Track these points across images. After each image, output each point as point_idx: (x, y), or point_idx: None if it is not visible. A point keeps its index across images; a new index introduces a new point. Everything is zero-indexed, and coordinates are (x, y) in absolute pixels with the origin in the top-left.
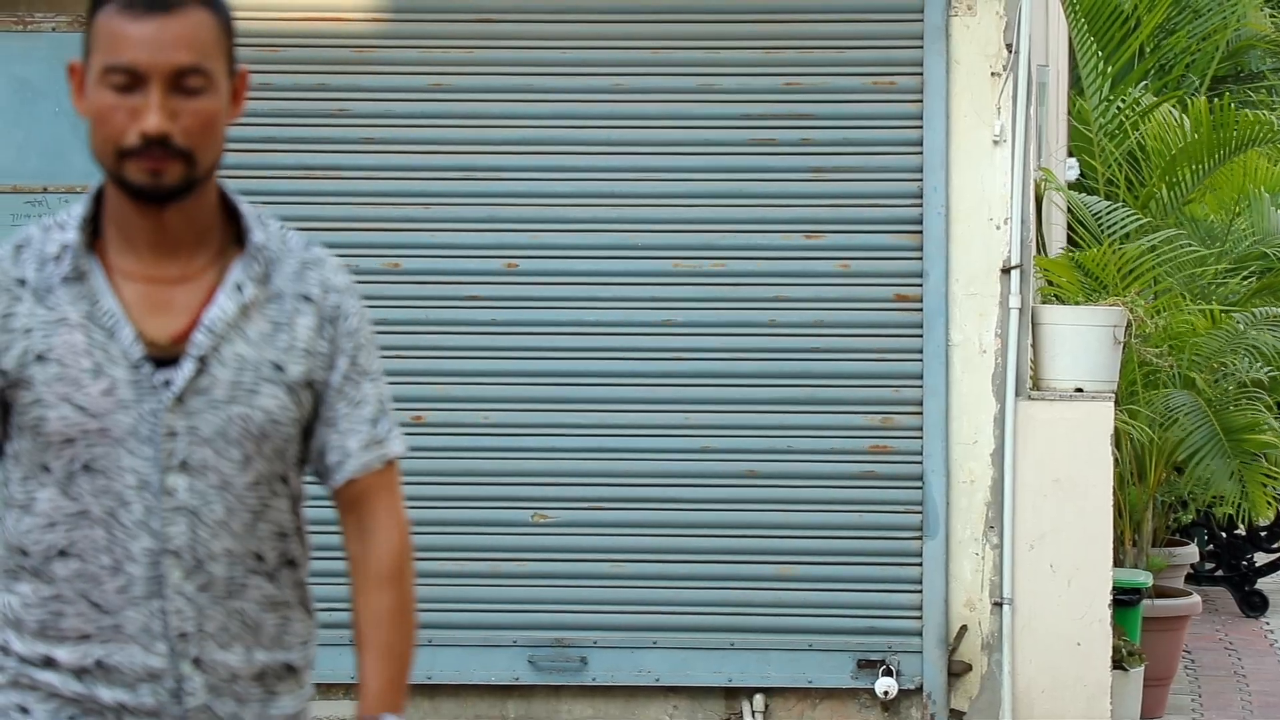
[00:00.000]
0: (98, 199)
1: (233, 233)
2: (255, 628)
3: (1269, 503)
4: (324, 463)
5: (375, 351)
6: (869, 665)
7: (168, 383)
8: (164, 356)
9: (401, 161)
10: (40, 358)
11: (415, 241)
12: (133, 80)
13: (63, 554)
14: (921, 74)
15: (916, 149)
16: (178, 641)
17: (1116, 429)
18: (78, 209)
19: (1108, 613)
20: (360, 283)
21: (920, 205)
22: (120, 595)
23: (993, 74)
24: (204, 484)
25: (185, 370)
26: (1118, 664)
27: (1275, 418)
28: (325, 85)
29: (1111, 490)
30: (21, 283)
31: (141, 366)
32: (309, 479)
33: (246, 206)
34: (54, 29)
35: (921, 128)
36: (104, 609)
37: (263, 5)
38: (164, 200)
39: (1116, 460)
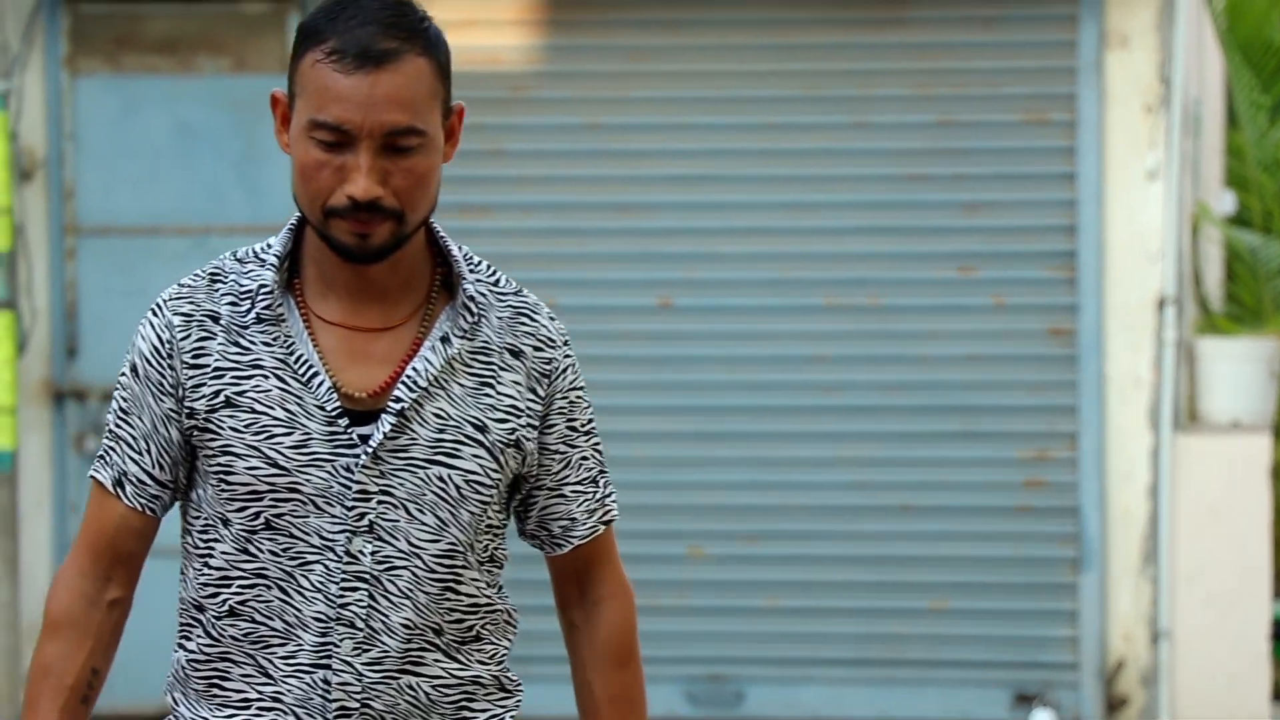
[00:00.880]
0: (297, 234)
1: (441, 275)
2: (429, 708)
3: None
4: (546, 531)
5: (590, 405)
6: (1025, 699)
7: (364, 439)
8: (361, 411)
9: (556, 199)
10: (231, 403)
11: (570, 278)
12: (342, 138)
13: (234, 612)
14: (1075, 108)
15: (1070, 183)
16: (337, 718)
17: (1273, 461)
18: (275, 243)
19: (1266, 645)
20: None
21: (1074, 239)
22: (286, 662)
23: (1147, 108)
24: (391, 550)
25: (383, 427)
26: (1277, 696)
27: None
28: (481, 125)
29: (1269, 522)
30: (215, 318)
31: (337, 420)
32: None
33: (457, 250)
34: (215, 73)
35: (1075, 162)
36: (268, 675)
37: None
38: (371, 261)
39: (1274, 492)
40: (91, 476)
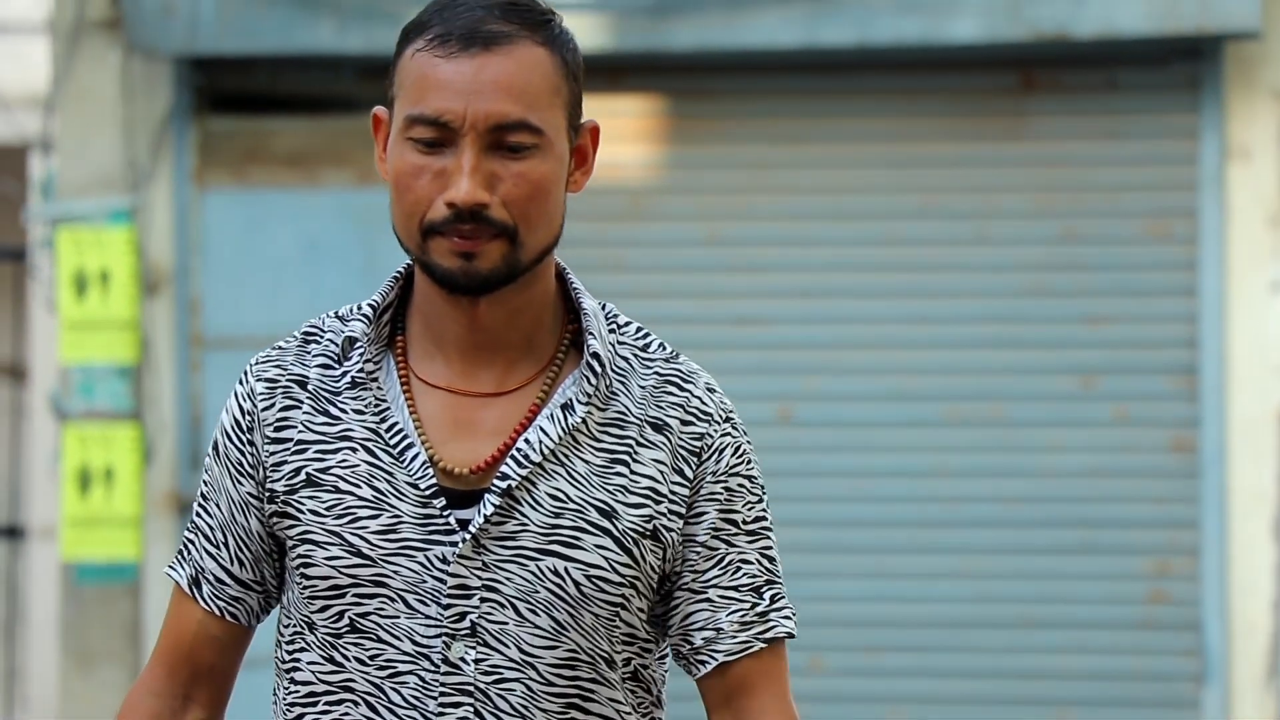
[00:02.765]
0: (405, 283)
1: (572, 334)
2: None
3: None
4: (687, 642)
5: (762, 500)
6: None
7: (464, 524)
8: (463, 490)
9: (676, 311)
10: (312, 481)
11: None
12: (442, 135)
13: None
14: (1196, 221)
15: (1191, 296)
16: None
17: None
18: (377, 294)
19: None
20: None
21: (1195, 351)
22: None
23: (1269, 220)
24: (500, 658)
25: (486, 509)
26: None
27: None
28: (603, 238)
29: None
30: (302, 383)
31: (432, 501)
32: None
33: (591, 302)
34: (339, 185)
35: (1196, 274)
36: None
37: None
38: (479, 291)
39: None
40: (167, 574)
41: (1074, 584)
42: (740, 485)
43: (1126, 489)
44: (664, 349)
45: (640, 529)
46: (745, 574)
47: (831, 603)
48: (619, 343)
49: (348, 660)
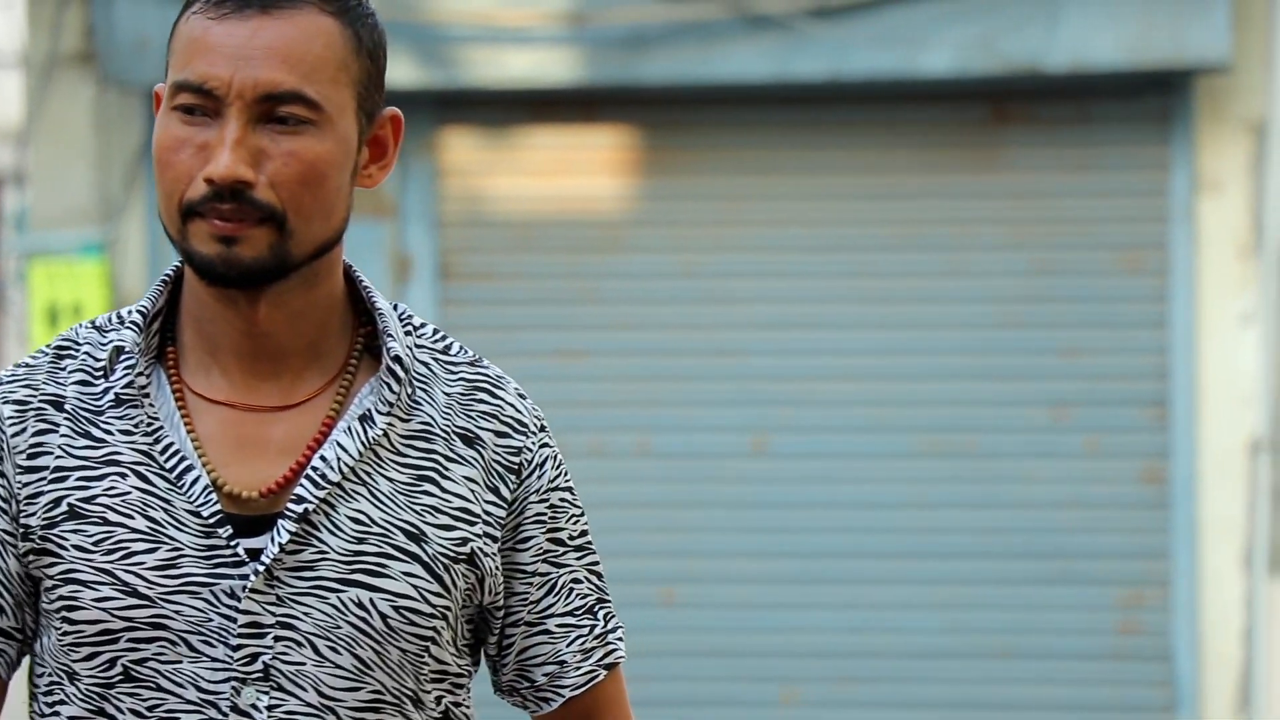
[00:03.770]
0: (174, 288)
1: (365, 338)
2: None
3: None
4: (527, 681)
5: (582, 512)
6: None
7: (254, 554)
8: (252, 516)
9: (652, 343)
10: (75, 513)
11: (665, 422)
12: (207, 104)
13: None
14: (1167, 253)
15: (1162, 328)
16: None
17: None
18: (144, 299)
19: None
20: (610, 463)
21: (1166, 383)
22: None
23: (1239, 252)
24: (296, 703)
25: (281, 536)
26: None
27: None
28: (578, 270)
29: None
30: (58, 403)
31: (216, 530)
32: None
33: (385, 303)
34: None
35: (1167, 306)
36: None
37: (515, 193)
38: (241, 283)
39: None
40: None
41: (1046, 614)
42: (563, 500)
43: (1098, 520)
44: (466, 352)
45: (453, 553)
46: (578, 595)
47: (805, 634)
48: (417, 346)
49: (120, 713)
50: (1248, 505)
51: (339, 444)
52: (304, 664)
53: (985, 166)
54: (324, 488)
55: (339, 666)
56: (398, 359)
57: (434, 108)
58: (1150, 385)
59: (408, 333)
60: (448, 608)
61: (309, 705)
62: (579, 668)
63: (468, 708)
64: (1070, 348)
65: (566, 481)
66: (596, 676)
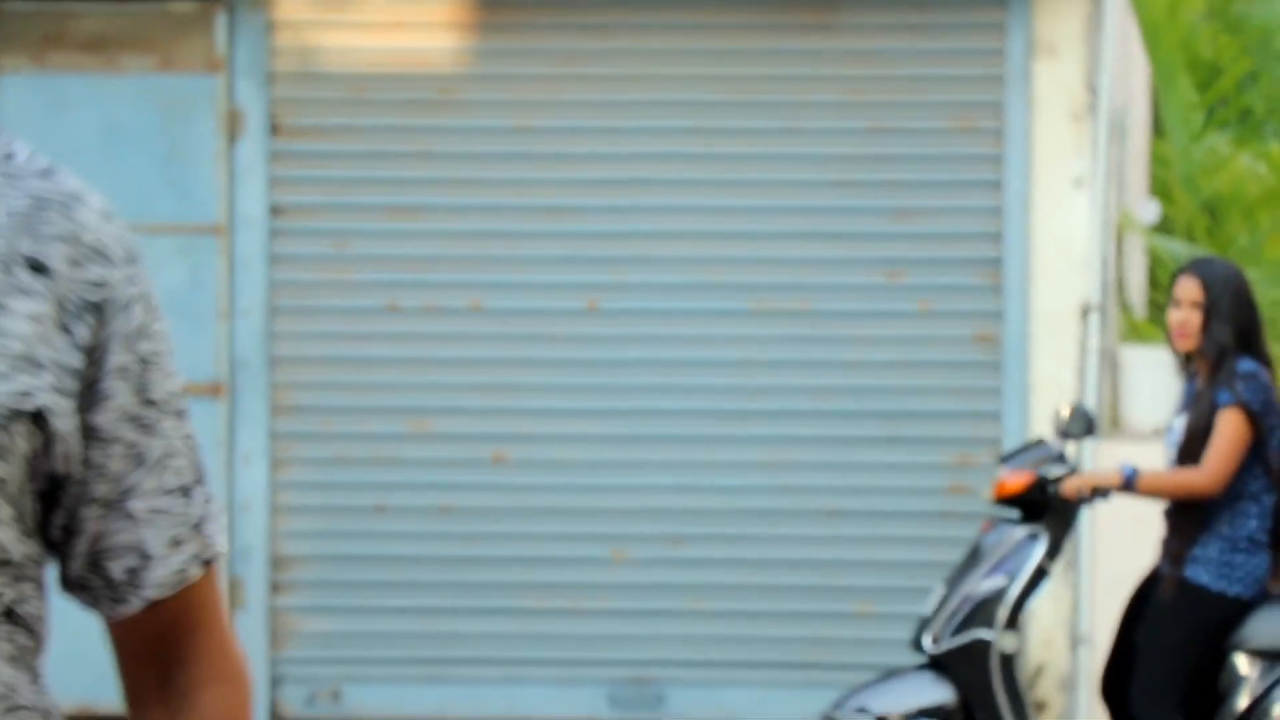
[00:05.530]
0: None
1: None
2: None
3: None
4: (100, 576)
5: (175, 372)
6: None
7: None
8: None
9: (485, 202)
10: None
11: (498, 281)
12: None
13: None
14: (1002, 116)
15: (997, 190)
16: None
17: None
18: None
19: None
20: (443, 322)
21: (1000, 246)
22: None
23: (1073, 116)
24: None
25: None
26: None
27: None
28: (410, 127)
29: None
30: None
31: None
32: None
33: None
34: (142, 71)
35: (1002, 169)
36: None
37: (348, 49)
38: None
39: None
40: None
41: (877, 475)
42: (156, 352)
43: (930, 382)
44: (37, 160)
45: (11, 408)
46: (173, 472)
47: (636, 494)
48: None
49: None
50: (1078, 368)
51: None
52: None
53: (822, 27)
54: None
55: None
56: None
57: None
58: (984, 248)
59: None
60: (5, 477)
61: None
62: (168, 563)
63: (36, 607)
64: (905, 210)
65: (161, 330)
66: (188, 574)
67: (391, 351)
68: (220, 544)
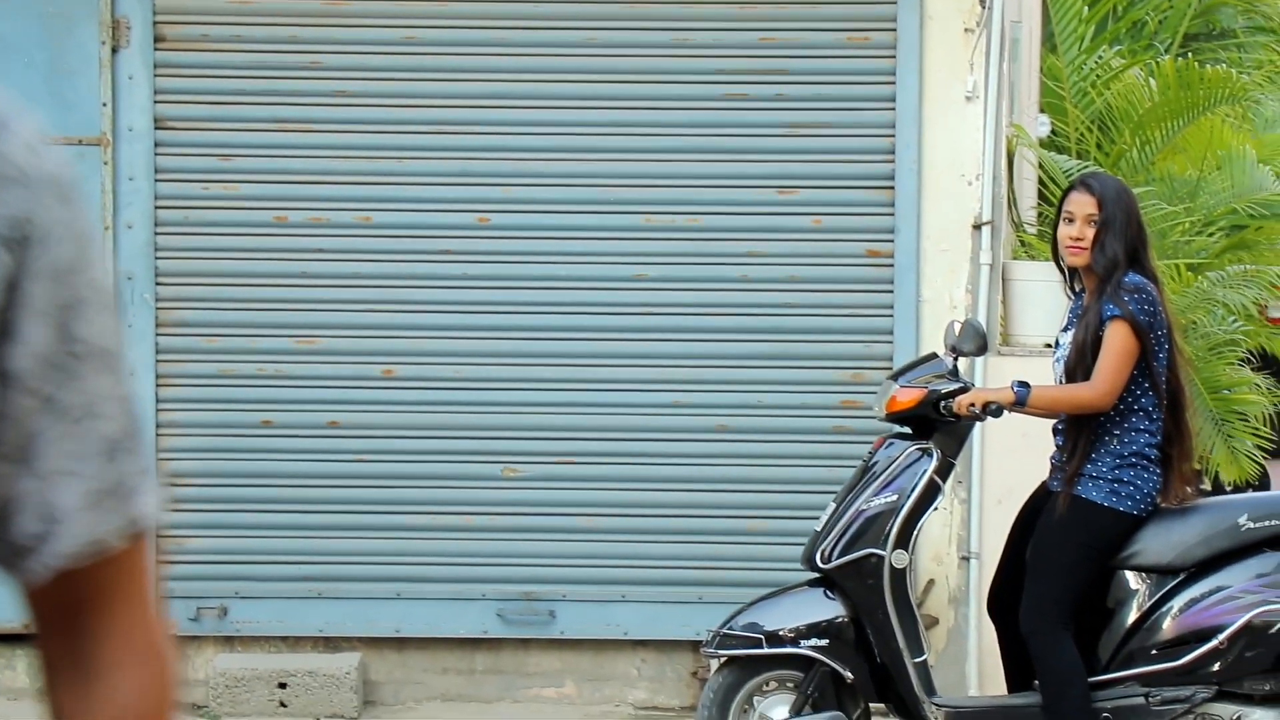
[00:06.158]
0: None
1: None
2: None
3: (1254, 461)
4: (3, 535)
5: (111, 325)
6: None
7: None
8: None
9: (374, 115)
10: None
11: (387, 195)
12: None
13: None
14: (895, 29)
15: (889, 105)
16: None
17: None
18: None
19: None
20: (332, 236)
21: (892, 161)
22: None
23: (966, 30)
24: None
25: None
26: None
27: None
28: (297, 38)
29: None
30: None
31: None
32: None
33: None
34: None
35: (895, 83)
36: None
37: None
38: None
39: None
40: None
41: (768, 392)
42: (83, 297)
43: (822, 297)
44: None
45: None
46: (96, 430)
47: (524, 410)
48: None
49: None
50: (969, 283)
51: None
52: None
53: None
54: None
55: None
56: None
57: None
58: (877, 163)
59: None
60: None
61: None
62: (80, 529)
63: None
64: (797, 124)
65: (96, 276)
66: (106, 544)
67: (279, 266)
68: (149, 515)
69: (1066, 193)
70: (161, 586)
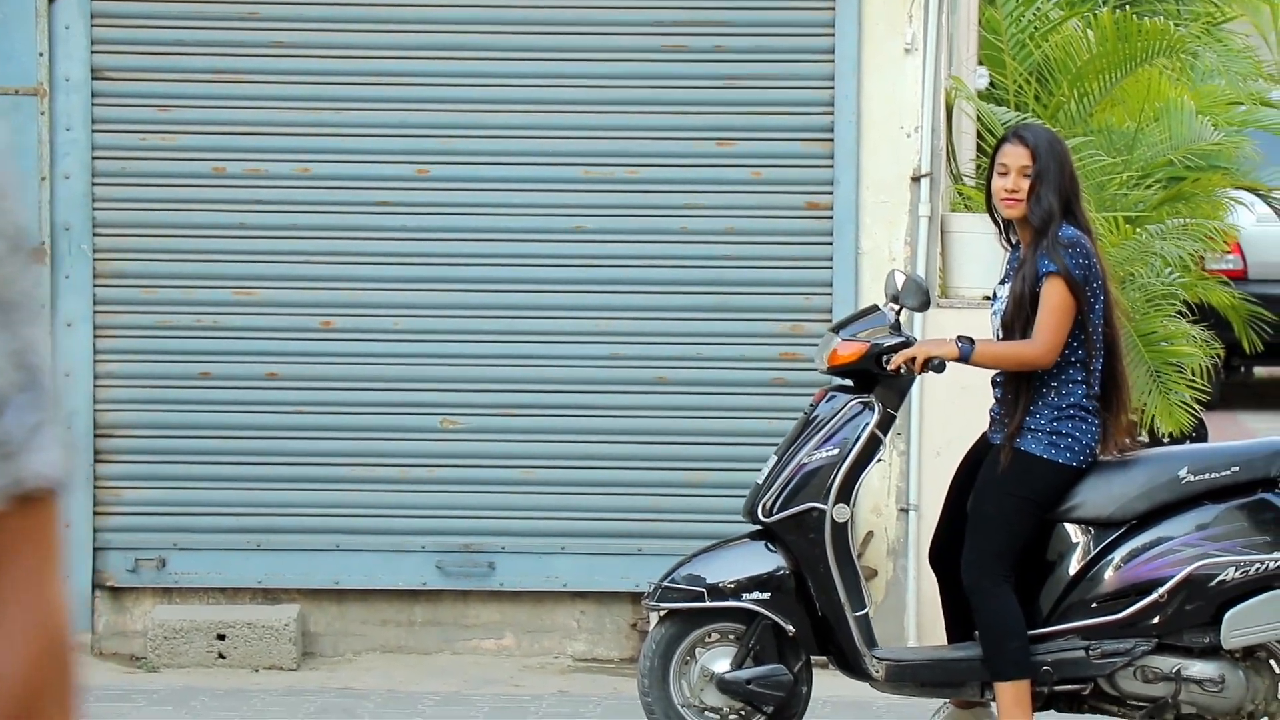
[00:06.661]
0: None
1: None
2: None
3: (1191, 413)
4: None
5: (13, 275)
6: None
7: None
8: None
9: (313, 66)
10: None
11: (325, 146)
12: None
13: None
14: None
15: (828, 56)
16: None
17: None
18: None
19: None
20: (270, 188)
21: (831, 113)
22: None
23: None
24: None
25: None
26: None
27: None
28: None
29: None
30: None
31: None
32: None
33: None
34: None
35: (834, 35)
36: None
37: None
38: None
39: None
40: None
41: (708, 344)
42: None
43: (761, 249)
44: None
45: None
46: None
47: (463, 362)
48: None
49: None
50: (908, 236)
51: None
52: None
53: None
54: None
55: None
56: None
57: None
58: (816, 115)
59: None
60: None
61: None
62: None
63: None
64: (736, 75)
65: (2, 201)
66: None
67: (217, 217)
68: (48, 477)
69: (999, 145)
70: (62, 550)
